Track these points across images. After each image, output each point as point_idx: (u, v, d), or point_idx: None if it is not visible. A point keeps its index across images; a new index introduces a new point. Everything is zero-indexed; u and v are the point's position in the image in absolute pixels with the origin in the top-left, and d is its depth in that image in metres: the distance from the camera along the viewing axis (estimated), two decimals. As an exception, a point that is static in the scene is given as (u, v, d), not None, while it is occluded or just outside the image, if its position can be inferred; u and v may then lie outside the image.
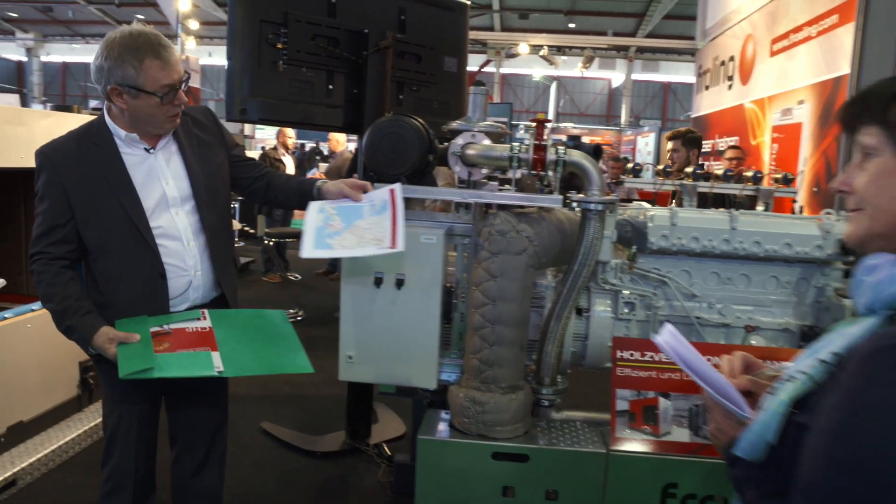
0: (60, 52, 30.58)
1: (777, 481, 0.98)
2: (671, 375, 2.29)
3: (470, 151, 2.38)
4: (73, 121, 2.20)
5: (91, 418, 3.66)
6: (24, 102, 24.42)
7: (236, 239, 9.34)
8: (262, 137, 20.37)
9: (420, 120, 2.45)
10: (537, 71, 24.17)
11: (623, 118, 26.04)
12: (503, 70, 26.68)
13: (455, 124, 2.47)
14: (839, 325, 1.00)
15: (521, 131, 2.48)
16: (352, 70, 3.16)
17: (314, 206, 2.23)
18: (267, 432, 3.96)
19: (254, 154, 8.45)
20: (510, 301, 2.28)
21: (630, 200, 2.90)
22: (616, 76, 28.85)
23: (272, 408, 4.34)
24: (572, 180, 2.37)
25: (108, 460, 2.17)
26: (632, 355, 2.33)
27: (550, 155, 2.28)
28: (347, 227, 2.14)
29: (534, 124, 2.35)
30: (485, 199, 2.37)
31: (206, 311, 2.12)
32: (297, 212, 9.16)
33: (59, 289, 1.99)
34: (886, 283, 0.93)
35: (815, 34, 4.96)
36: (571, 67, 22.87)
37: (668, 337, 1.19)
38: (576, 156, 2.30)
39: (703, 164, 5.22)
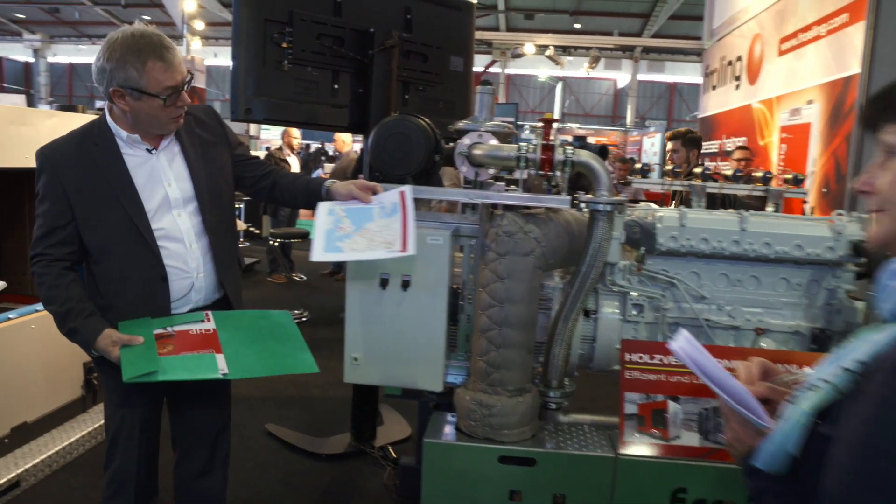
0: (67, 53, 30.67)
1: (799, 494, 0.94)
2: (680, 379, 2.26)
3: (477, 151, 2.35)
4: (78, 121, 2.18)
5: (95, 419, 3.64)
6: (31, 103, 24.50)
7: (241, 239, 9.34)
8: (268, 138, 20.40)
9: (426, 120, 2.42)
10: (543, 71, 24.12)
11: (628, 119, 25.98)
12: (508, 70, 26.66)
13: (461, 124, 2.44)
14: (863, 332, 0.96)
15: (527, 131, 2.45)
16: (357, 69, 3.14)
17: (323, 207, 2.20)
18: (271, 434, 3.94)
19: (259, 155, 8.44)
20: (517, 303, 2.26)
21: (637, 201, 2.87)
22: (621, 76, 28.80)
23: (277, 409, 4.32)
24: (578, 180, 2.35)
25: (109, 463, 2.15)
26: (640, 358, 2.30)
27: (558, 155, 2.26)
28: (358, 229, 2.12)
29: (539, 124, 2.32)
30: (492, 200, 2.34)
31: (209, 312, 2.10)
32: (302, 212, 9.16)
33: (61, 291, 1.97)
34: None
35: (824, 33, 4.92)
36: (577, 68, 22.86)
37: (683, 343, 1.16)
38: (584, 156, 2.27)
39: (703, 164, 5.18)
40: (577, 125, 24.52)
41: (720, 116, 7.62)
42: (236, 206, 7.96)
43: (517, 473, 2.25)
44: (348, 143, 8.67)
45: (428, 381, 2.42)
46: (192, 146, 2.13)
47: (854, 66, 4.37)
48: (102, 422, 2.38)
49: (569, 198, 2.26)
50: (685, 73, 27.77)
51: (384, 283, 2.35)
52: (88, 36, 29.08)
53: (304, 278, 8.40)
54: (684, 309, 2.51)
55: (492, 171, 2.42)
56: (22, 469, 3.11)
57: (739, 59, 6.99)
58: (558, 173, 2.28)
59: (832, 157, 4.68)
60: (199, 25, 18.91)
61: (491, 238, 2.29)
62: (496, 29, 23.60)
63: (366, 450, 3.68)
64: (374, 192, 2.23)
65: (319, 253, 2.07)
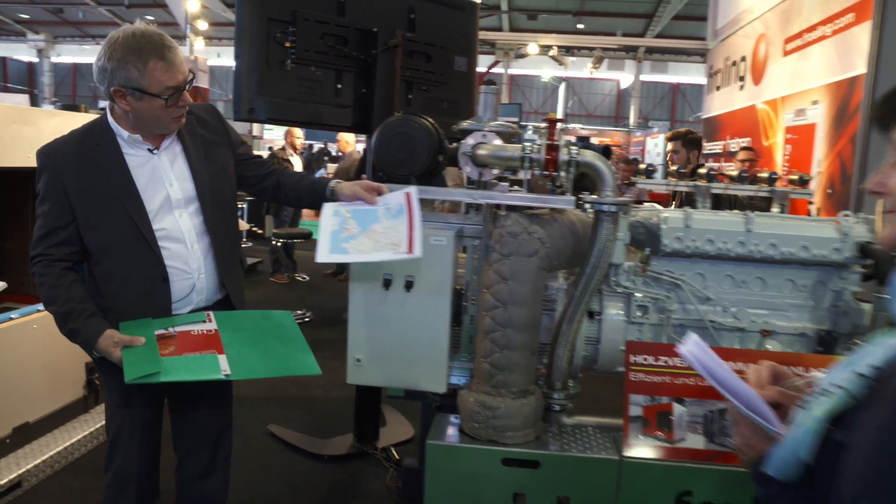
0: (71, 54, 30.71)
1: (811, 502, 0.93)
2: (685, 381, 2.25)
3: (481, 151, 2.34)
4: (81, 120, 2.18)
5: (97, 420, 3.64)
6: (35, 103, 24.53)
7: (244, 239, 9.33)
8: (271, 138, 20.40)
9: (430, 119, 2.41)
10: (546, 72, 24.11)
11: (632, 119, 25.95)
12: (511, 71, 26.64)
13: (465, 124, 2.43)
14: (878, 336, 0.94)
15: (530, 132, 2.44)
16: (361, 69, 3.13)
17: (328, 208, 2.19)
18: (273, 435, 3.93)
19: (262, 155, 8.43)
20: (521, 304, 2.24)
21: (640, 202, 2.86)
22: (624, 77, 28.76)
23: (279, 410, 4.31)
24: (580, 181, 2.33)
25: (110, 464, 2.14)
26: (645, 360, 2.28)
27: (563, 155, 2.24)
28: (363, 231, 2.10)
29: (542, 125, 2.31)
30: (497, 201, 2.33)
31: (211, 313, 2.08)
32: (305, 212, 9.16)
33: (62, 291, 1.96)
34: None
35: (829, 33, 4.89)
36: (580, 68, 22.83)
37: (692, 346, 1.14)
38: (589, 156, 2.25)
39: (703, 164, 5.17)
40: (581, 126, 24.51)
41: (724, 117, 7.59)
42: (239, 206, 7.95)
43: (521, 476, 2.24)
44: (351, 144, 8.66)
45: (431, 383, 2.41)
46: (194, 146, 2.12)
47: (860, 67, 4.35)
48: (104, 422, 2.39)
49: (573, 198, 2.24)
50: (688, 74, 27.74)
51: (387, 284, 2.33)
52: (92, 36, 29.12)
53: (307, 279, 8.39)
54: (689, 310, 2.49)
55: (496, 172, 2.40)
56: (23, 469, 3.10)
57: (744, 59, 6.96)
58: (563, 173, 2.26)
59: (837, 158, 4.66)
60: (203, 26, 18.91)
61: (495, 239, 2.27)
62: (499, 29, 23.57)
63: (368, 451, 3.67)
64: (380, 193, 2.21)
65: (325, 254, 2.06)
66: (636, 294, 2.50)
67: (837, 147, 4.67)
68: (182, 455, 2.28)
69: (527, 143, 2.28)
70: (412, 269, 2.31)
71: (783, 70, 5.86)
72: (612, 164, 2.34)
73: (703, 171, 2.98)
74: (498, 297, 2.25)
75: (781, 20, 5.93)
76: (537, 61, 21.72)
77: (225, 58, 25.83)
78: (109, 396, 2.16)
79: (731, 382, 1.05)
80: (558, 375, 2.43)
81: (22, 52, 32.27)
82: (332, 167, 14.20)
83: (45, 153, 2.01)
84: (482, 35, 3.55)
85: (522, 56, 17.13)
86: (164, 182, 2.06)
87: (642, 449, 2.22)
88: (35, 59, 31.22)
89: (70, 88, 32.94)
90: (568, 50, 21.77)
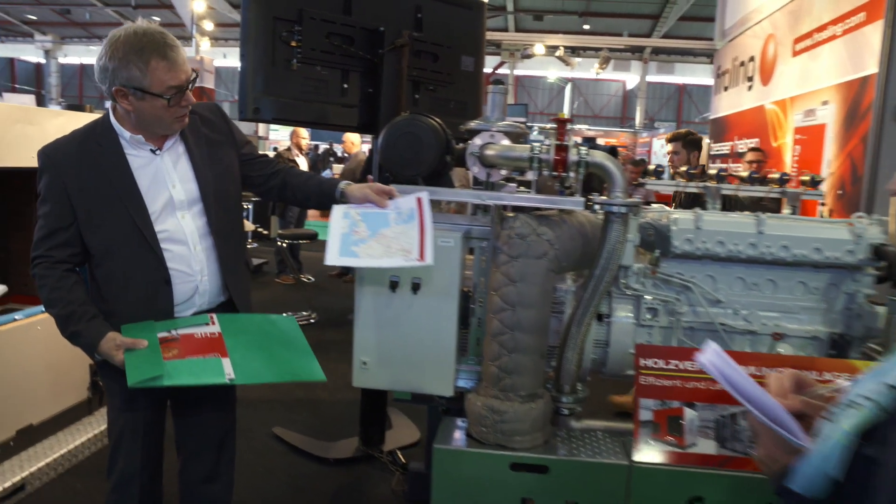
0: (78, 54, 30.83)
1: None
2: (697, 385, 2.21)
3: (489, 152, 2.31)
4: (85, 120, 2.16)
5: (101, 422, 3.62)
6: (42, 103, 24.64)
7: (249, 240, 9.32)
8: (276, 138, 20.42)
9: (437, 119, 2.38)
10: (552, 73, 24.08)
11: (637, 120, 25.93)
12: (517, 72, 26.61)
13: (473, 124, 2.40)
14: None
15: (536, 132, 2.41)
16: (367, 69, 3.11)
17: (338, 210, 2.15)
18: (278, 438, 3.91)
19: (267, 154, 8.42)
20: (530, 307, 2.21)
21: (648, 203, 2.83)
22: (630, 78, 28.73)
23: (284, 412, 4.29)
24: (587, 181, 2.30)
25: (113, 467, 2.12)
26: (655, 363, 2.24)
27: (572, 156, 2.21)
28: (373, 235, 2.07)
29: (548, 125, 2.28)
30: (506, 202, 2.29)
31: (214, 315, 2.06)
32: (311, 213, 9.14)
33: (63, 293, 1.93)
34: None
35: (840, 33, 4.85)
36: (586, 69, 22.82)
37: (711, 356, 1.10)
38: (598, 156, 2.22)
39: (703, 166, 5.13)
40: (586, 126, 24.48)
41: (732, 118, 7.55)
42: (244, 206, 7.94)
43: (529, 481, 2.21)
44: (357, 145, 8.65)
45: (438, 386, 2.38)
46: (198, 146, 2.09)
47: (871, 66, 4.31)
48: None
49: (583, 199, 2.21)
50: (695, 75, 27.70)
51: (394, 286, 2.30)
52: (99, 37, 29.20)
53: (313, 279, 8.37)
54: (699, 313, 2.46)
55: (504, 172, 2.37)
56: (27, 472, 3.09)
57: (752, 59, 6.92)
58: (572, 174, 2.23)
59: (848, 159, 4.61)
60: (209, 26, 18.96)
61: (503, 240, 2.24)
62: (505, 30, 23.56)
63: (374, 454, 3.64)
64: (391, 197, 2.18)
65: (334, 257, 2.03)
66: (646, 296, 2.46)
67: (848, 147, 4.63)
68: (185, 458, 2.25)
69: (535, 144, 2.25)
70: (419, 271, 2.28)
71: (792, 70, 5.81)
72: (619, 165, 2.31)
73: (712, 171, 2.94)
74: (506, 300, 2.22)
75: (790, 20, 5.89)
76: (543, 62, 21.73)
77: (231, 58, 25.90)
78: (111, 399, 2.14)
79: (752, 392, 1.01)
80: (567, 379, 2.40)
81: (29, 53, 32.44)
82: (337, 168, 14.21)
83: (45, 153, 1.99)
84: (488, 35, 3.52)
85: (529, 56, 17.11)
86: (167, 183, 2.03)
87: (652, 454, 2.18)
88: (42, 60, 31.38)
89: (77, 89, 33.06)
90: (574, 51, 21.75)
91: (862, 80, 4.47)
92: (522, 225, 2.21)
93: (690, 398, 2.21)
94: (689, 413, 2.20)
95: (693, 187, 2.93)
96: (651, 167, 3.03)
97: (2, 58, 33.43)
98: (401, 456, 3.63)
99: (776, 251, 2.37)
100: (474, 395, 2.31)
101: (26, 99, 16.48)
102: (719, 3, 8.32)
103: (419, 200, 2.15)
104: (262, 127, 19.12)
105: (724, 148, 7.69)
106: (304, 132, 8.65)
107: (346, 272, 8.34)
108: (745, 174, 2.93)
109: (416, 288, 2.30)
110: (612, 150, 2.45)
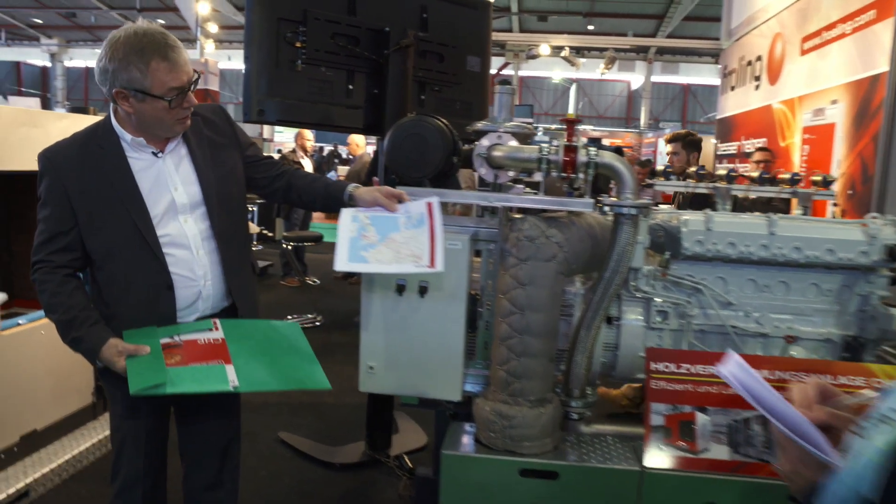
0: (83, 57, 30.91)
1: None
2: (708, 389, 2.17)
3: (497, 153, 2.27)
4: (89, 122, 2.14)
5: (106, 427, 3.60)
6: (48, 106, 24.71)
7: (254, 242, 9.30)
8: (281, 140, 20.45)
9: (443, 120, 2.35)
10: (557, 73, 24.05)
11: (642, 120, 25.86)
12: (522, 73, 26.57)
13: (480, 125, 2.37)
14: None
15: (540, 133, 2.38)
16: (372, 70, 3.08)
17: (347, 213, 2.12)
18: (284, 442, 3.88)
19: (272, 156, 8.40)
20: (539, 310, 2.17)
21: (656, 204, 2.79)
22: (635, 78, 28.66)
23: (290, 417, 4.26)
24: (593, 182, 2.26)
25: (116, 475, 2.09)
26: (667, 367, 2.21)
27: (581, 156, 2.17)
28: (382, 239, 2.04)
29: (553, 126, 2.24)
30: (515, 203, 2.26)
31: (217, 320, 2.02)
32: (316, 215, 9.12)
33: (64, 298, 1.90)
34: None
35: (849, 31, 4.81)
36: (590, 70, 22.75)
37: (733, 367, 1.05)
38: (608, 157, 2.18)
39: (702, 167, 5.10)
40: (591, 127, 24.44)
41: (739, 117, 7.51)
42: (249, 209, 7.92)
43: (539, 487, 2.17)
44: (362, 146, 8.63)
45: (446, 391, 2.35)
46: (200, 148, 2.06)
47: (882, 65, 4.26)
48: (112, 430, 2.38)
49: (592, 201, 2.18)
50: (700, 75, 27.62)
51: (401, 290, 2.27)
52: (104, 40, 29.31)
53: (318, 282, 8.35)
54: (710, 316, 2.42)
55: (511, 174, 2.34)
56: (31, 479, 3.06)
57: (759, 58, 6.88)
58: (581, 175, 2.20)
59: (858, 158, 4.57)
60: (213, 28, 18.98)
61: (511, 243, 2.21)
62: (509, 31, 23.54)
63: (381, 459, 3.61)
64: (401, 201, 2.14)
65: (343, 262, 1.99)
66: (656, 299, 2.43)
67: (858, 147, 4.58)
68: (188, 466, 2.22)
69: (544, 145, 2.21)
70: (426, 274, 2.25)
71: (800, 69, 5.77)
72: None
73: (721, 172, 2.91)
74: (515, 303, 2.18)
75: (798, 19, 5.85)
76: (547, 63, 21.66)
77: (235, 61, 25.96)
78: (114, 406, 2.11)
79: (776, 405, 0.97)
80: (576, 383, 2.36)
81: (35, 57, 32.56)
82: (342, 169, 14.19)
83: (46, 156, 1.96)
84: (492, 36, 3.51)
85: (534, 57, 17.04)
86: (169, 186, 1.99)
87: (664, 459, 2.14)
88: (48, 64, 31.47)
89: (83, 92, 33.18)
90: (578, 51, 21.71)
91: (872, 78, 4.43)
92: (531, 227, 2.18)
93: (702, 402, 2.17)
94: (701, 418, 2.16)
95: (703, 188, 2.90)
96: (660, 168, 3.00)
97: (8, 61, 33.58)
98: (408, 461, 3.59)
99: (788, 252, 2.33)
100: (482, 400, 2.28)
101: (31, 102, 16.54)
102: (725, 3, 8.29)
103: (429, 205, 2.12)
104: (266, 129, 19.16)
105: (730, 148, 7.65)
106: (308, 134, 8.63)
107: (351, 274, 8.31)
108: (755, 174, 2.89)
109: (423, 291, 2.26)
110: (617, 151, 2.42)
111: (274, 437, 3.93)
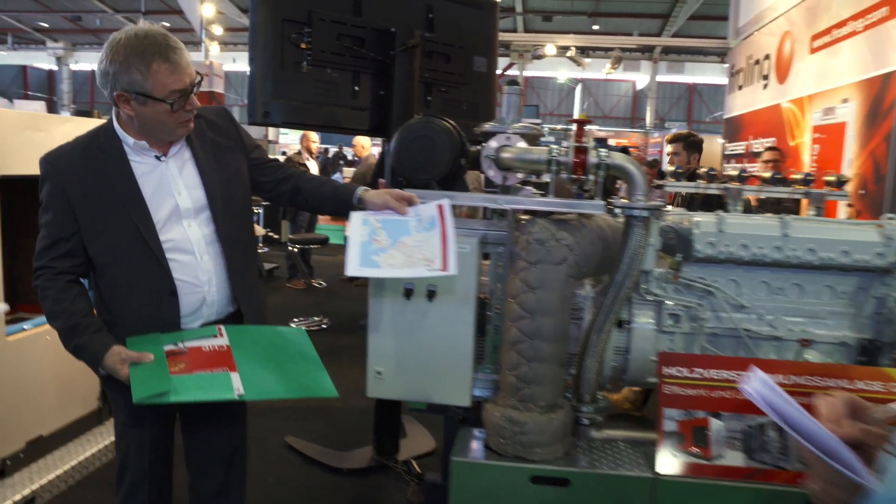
0: (89, 61, 31.00)
1: None
2: (722, 394, 2.13)
3: (505, 154, 2.24)
4: (93, 126, 2.12)
5: (112, 432, 3.55)
6: (54, 110, 24.80)
7: (260, 244, 9.29)
8: (286, 142, 20.45)
9: (451, 122, 2.32)
10: (562, 73, 24.01)
11: (648, 120, 25.80)
12: (526, 73, 26.53)
13: (489, 126, 2.33)
14: None
15: (546, 133, 2.35)
16: (378, 70, 3.05)
17: (357, 217, 2.09)
18: (292, 447, 3.85)
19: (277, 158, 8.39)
20: (549, 314, 2.14)
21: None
22: (641, 78, 28.60)
23: (297, 422, 4.23)
24: (603, 184, 2.23)
25: (121, 482, 2.07)
26: (679, 371, 2.17)
27: (592, 158, 2.14)
28: (394, 243, 2.01)
29: (559, 127, 2.21)
30: (525, 206, 2.22)
31: (222, 327, 1.99)
32: (322, 217, 9.10)
33: (66, 304, 1.88)
34: None
35: (861, 29, 4.76)
36: (596, 70, 22.72)
37: (758, 385, 1.01)
38: (619, 159, 2.15)
39: (702, 167, 5.07)
40: (597, 127, 24.39)
41: (747, 117, 7.45)
42: (255, 211, 7.89)
43: (550, 494, 2.13)
44: (367, 148, 8.61)
45: (455, 396, 2.31)
46: (204, 151, 2.02)
47: (894, 62, 4.22)
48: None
49: (603, 203, 2.14)
50: (705, 74, 27.54)
51: (409, 294, 2.23)
52: (109, 43, 29.42)
53: (324, 284, 8.33)
54: (723, 319, 2.38)
55: (520, 175, 2.30)
56: (37, 485, 3.04)
57: (767, 57, 6.83)
58: (591, 177, 2.16)
59: (870, 158, 4.52)
60: (218, 31, 19.01)
61: (521, 246, 2.17)
62: (514, 31, 23.51)
63: (389, 464, 3.58)
64: (411, 203, 2.11)
65: (355, 267, 1.97)
66: (667, 302, 2.39)
67: (870, 146, 4.53)
68: (195, 474, 2.19)
69: (553, 146, 2.18)
70: (435, 278, 2.22)
71: (810, 68, 5.72)
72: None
73: (732, 172, 2.87)
74: (525, 307, 2.15)
75: (808, 17, 5.80)
76: (553, 63, 21.64)
77: (240, 63, 26.02)
78: (118, 414, 2.08)
79: (804, 424, 0.92)
80: (587, 387, 2.32)
81: (41, 60, 32.71)
82: (348, 171, 14.18)
83: (47, 161, 1.93)
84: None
85: (539, 57, 17.03)
86: (172, 191, 1.96)
87: (677, 466, 2.10)
88: (54, 67, 31.59)
89: (88, 95, 33.28)
90: (584, 51, 21.67)
91: (884, 76, 4.38)
92: (541, 230, 2.14)
93: (716, 408, 2.13)
94: (715, 423, 2.12)
95: (714, 189, 2.86)
96: (670, 168, 2.96)
97: (14, 65, 33.74)
98: (416, 466, 3.56)
99: (802, 254, 2.29)
100: (492, 405, 2.24)
101: (37, 105, 16.58)
102: (733, 2, 8.26)
103: (440, 208, 2.09)
104: (271, 131, 19.17)
105: (738, 148, 7.60)
106: (314, 136, 8.61)
107: (357, 276, 8.28)
108: (766, 175, 2.85)
109: (431, 295, 2.23)
110: (623, 151, 2.38)
111: (281, 443, 3.90)
